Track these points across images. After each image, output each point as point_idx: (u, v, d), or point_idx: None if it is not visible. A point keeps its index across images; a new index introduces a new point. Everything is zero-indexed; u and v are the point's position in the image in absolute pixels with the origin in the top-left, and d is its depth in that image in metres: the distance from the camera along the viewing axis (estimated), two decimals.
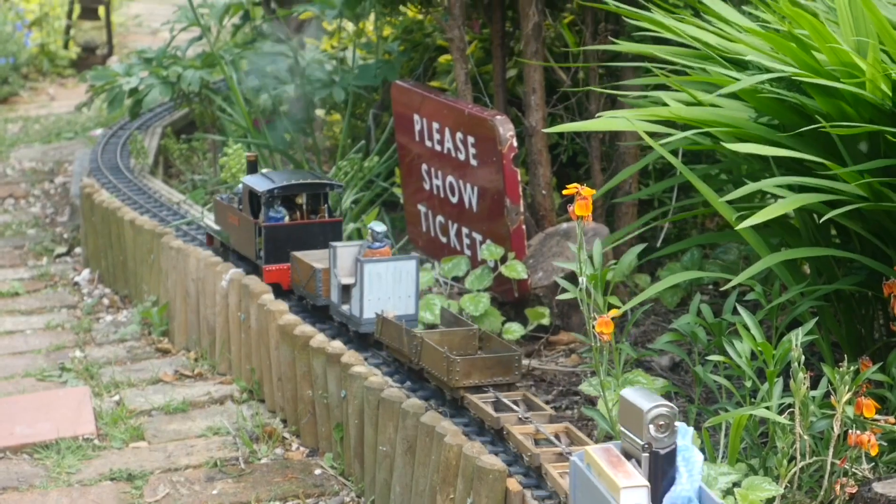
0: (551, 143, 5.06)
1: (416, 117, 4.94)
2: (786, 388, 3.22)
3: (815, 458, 3.12)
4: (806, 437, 3.10)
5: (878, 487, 2.97)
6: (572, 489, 2.65)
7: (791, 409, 3.12)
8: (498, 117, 4.46)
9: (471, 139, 4.59)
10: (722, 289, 3.45)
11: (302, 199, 4.55)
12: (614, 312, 3.33)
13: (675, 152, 4.29)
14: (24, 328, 5.33)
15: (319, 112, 6.50)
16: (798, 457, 3.10)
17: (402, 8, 5.33)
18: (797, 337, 3.13)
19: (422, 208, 5.04)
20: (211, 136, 6.46)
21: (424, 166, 4.96)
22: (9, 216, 6.97)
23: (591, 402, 3.93)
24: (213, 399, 4.49)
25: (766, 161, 3.67)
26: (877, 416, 3.10)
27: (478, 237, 4.67)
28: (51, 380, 4.75)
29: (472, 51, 5.57)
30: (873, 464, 3.12)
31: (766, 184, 3.35)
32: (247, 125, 6.10)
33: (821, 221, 3.33)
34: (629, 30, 4.34)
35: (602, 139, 4.90)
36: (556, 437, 3.25)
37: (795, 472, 3.10)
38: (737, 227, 3.24)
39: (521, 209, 4.46)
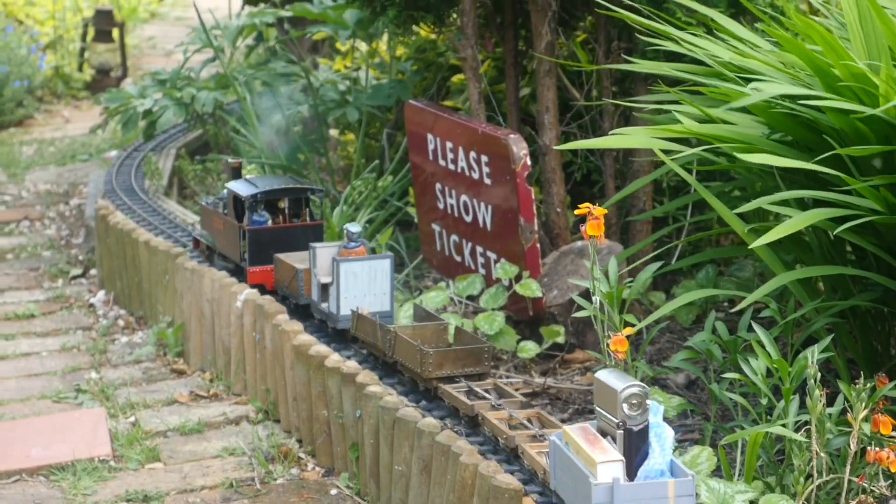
0: (565, 161, 5.07)
1: (429, 136, 4.95)
2: (802, 406, 3.21)
3: (832, 476, 3.11)
4: (823, 454, 3.09)
5: None
6: (552, 466, 2.90)
7: (807, 427, 3.11)
8: (511, 136, 4.46)
9: (484, 158, 4.59)
10: (737, 308, 3.45)
11: (284, 204, 4.73)
12: (629, 331, 3.33)
13: (689, 169, 4.29)
14: (39, 350, 5.34)
15: (333, 132, 6.52)
16: (815, 474, 3.09)
17: (415, 27, 5.34)
18: (813, 354, 3.12)
19: (436, 227, 5.04)
20: (225, 158, 6.48)
21: (438, 185, 4.96)
22: (24, 238, 6.99)
23: None
24: (229, 419, 4.49)
25: (783, 177, 3.66)
26: (893, 434, 3.09)
27: (492, 256, 4.67)
28: (66, 401, 4.76)
29: (486, 70, 5.58)
30: (890, 481, 3.11)
31: (778, 197, 3.34)
32: (260, 146, 6.11)
33: (834, 235, 3.31)
34: (642, 47, 4.35)
35: (616, 157, 4.90)
36: (529, 420, 3.41)
37: (812, 490, 3.09)
38: (750, 246, 3.24)
39: (536, 228, 4.46)
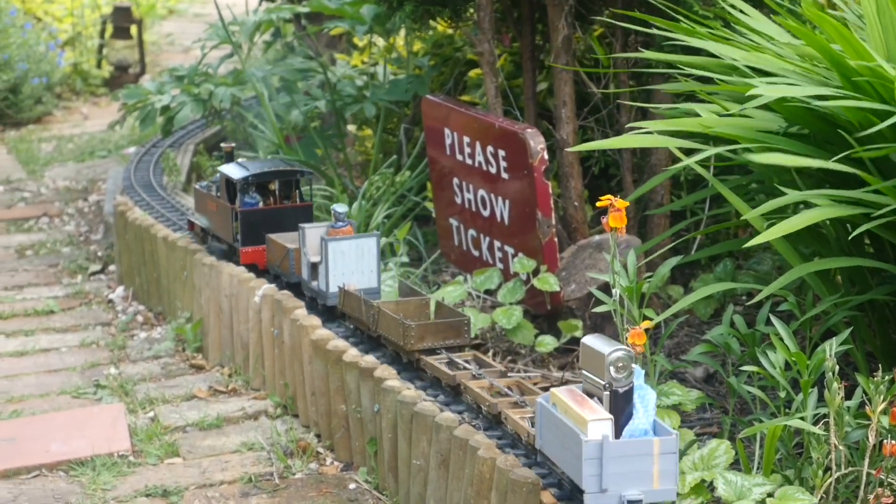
0: (583, 155, 5.06)
1: (446, 131, 4.95)
2: (820, 399, 3.20)
3: (850, 469, 3.10)
4: (841, 447, 3.08)
5: None
6: (538, 427, 3.07)
7: (826, 420, 3.10)
8: (528, 130, 4.46)
9: (502, 152, 4.59)
10: (754, 300, 3.44)
11: (274, 186, 4.89)
12: (647, 324, 3.33)
13: (706, 165, 4.28)
14: (59, 346, 5.36)
15: (351, 127, 6.52)
16: (833, 467, 3.08)
17: (432, 23, 5.34)
18: (831, 347, 3.11)
19: (454, 222, 5.04)
20: (243, 154, 6.49)
21: (456, 180, 4.96)
22: (43, 234, 7.01)
23: None
24: (248, 414, 4.50)
25: (799, 172, 3.66)
26: None
27: (510, 250, 4.67)
28: (86, 397, 4.77)
29: (503, 64, 5.58)
30: None
31: (794, 198, 3.33)
32: (278, 142, 6.12)
33: (855, 234, 3.30)
34: (659, 41, 4.34)
35: (633, 151, 4.89)
36: (509, 388, 3.56)
37: (831, 483, 3.09)
38: (769, 238, 3.23)
39: (553, 222, 4.46)
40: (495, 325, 4.48)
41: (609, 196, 3.33)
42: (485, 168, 4.72)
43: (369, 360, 3.95)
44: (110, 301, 5.90)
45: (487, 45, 4.82)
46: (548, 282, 4.40)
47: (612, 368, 2.84)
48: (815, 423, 3.17)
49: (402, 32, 6.34)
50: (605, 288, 3.71)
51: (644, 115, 4.77)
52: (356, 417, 3.99)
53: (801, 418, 3.15)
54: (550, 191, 4.46)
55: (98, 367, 5.08)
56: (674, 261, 3.82)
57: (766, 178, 4.06)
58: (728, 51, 3.66)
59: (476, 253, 4.91)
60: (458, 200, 4.97)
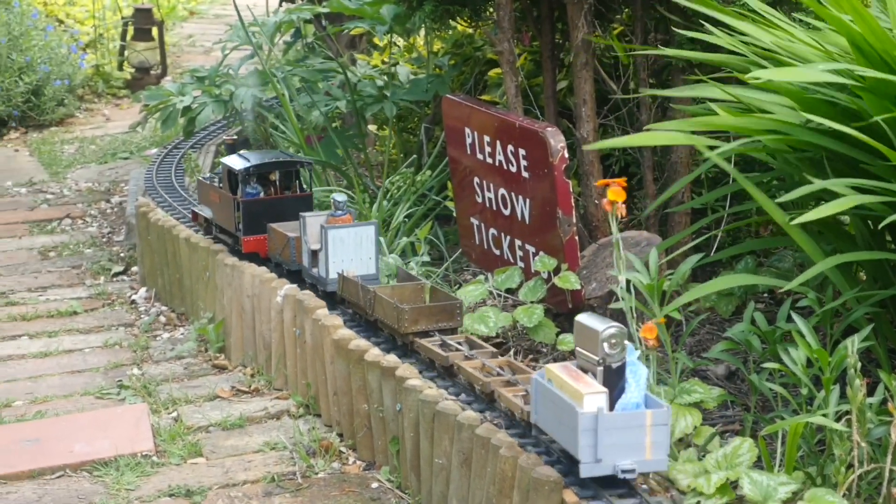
0: (603, 153, 5.06)
1: (467, 131, 4.95)
2: (842, 396, 3.20)
3: (873, 466, 3.09)
4: (864, 444, 3.07)
5: None
6: (533, 402, 3.19)
7: (848, 417, 3.10)
8: (549, 129, 4.46)
9: (522, 151, 4.59)
10: (777, 292, 3.44)
11: (275, 176, 5.02)
12: (661, 320, 3.34)
13: (727, 159, 4.27)
14: (82, 346, 5.38)
15: (371, 127, 6.53)
16: (856, 464, 3.08)
17: (451, 22, 5.35)
18: (853, 343, 3.11)
19: (475, 221, 5.04)
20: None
21: (476, 179, 4.96)
22: (66, 236, 7.04)
23: None
24: (270, 414, 4.51)
25: (819, 167, 3.65)
26: None
27: (531, 249, 4.67)
28: (109, 397, 4.79)
29: (522, 63, 5.58)
30: None
31: (818, 186, 3.32)
32: (299, 142, 6.13)
33: (880, 227, 3.29)
34: (679, 40, 4.34)
35: (654, 149, 4.89)
36: (501, 368, 3.68)
37: (854, 480, 3.08)
38: (790, 224, 3.22)
39: (574, 220, 4.46)
40: (517, 324, 4.48)
41: (607, 179, 3.41)
42: (505, 167, 4.73)
43: (391, 359, 3.96)
44: (133, 302, 5.91)
45: (507, 44, 4.82)
46: (569, 280, 4.40)
47: (605, 345, 2.97)
48: (837, 420, 3.16)
49: (422, 32, 6.34)
50: (628, 287, 3.71)
51: (664, 112, 4.77)
52: (378, 417, 4.00)
53: (824, 415, 3.14)
54: (571, 189, 4.46)
55: (121, 367, 5.10)
56: (695, 258, 3.82)
57: (787, 175, 4.06)
58: (758, 33, 3.65)
59: (497, 252, 4.91)
60: (479, 199, 4.97)
